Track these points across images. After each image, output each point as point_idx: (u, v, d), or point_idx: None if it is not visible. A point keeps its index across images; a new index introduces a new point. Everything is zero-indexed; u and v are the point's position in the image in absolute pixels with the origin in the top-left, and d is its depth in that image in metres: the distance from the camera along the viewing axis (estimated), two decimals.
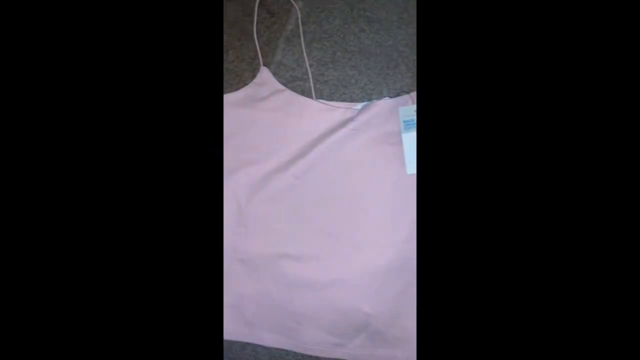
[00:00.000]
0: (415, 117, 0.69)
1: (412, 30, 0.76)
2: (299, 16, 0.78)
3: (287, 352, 0.74)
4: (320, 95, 0.76)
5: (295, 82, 0.77)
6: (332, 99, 0.76)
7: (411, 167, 0.68)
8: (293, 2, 0.79)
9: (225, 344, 0.73)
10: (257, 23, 0.78)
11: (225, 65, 0.78)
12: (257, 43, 0.77)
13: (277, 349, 0.73)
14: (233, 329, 0.70)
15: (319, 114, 0.73)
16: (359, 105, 0.73)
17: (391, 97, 0.72)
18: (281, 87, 0.74)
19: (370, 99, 0.74)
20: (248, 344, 0.72)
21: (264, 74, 0.75)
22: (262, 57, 0.76)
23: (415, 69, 0.75)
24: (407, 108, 0.70)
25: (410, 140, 0.69)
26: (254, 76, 0.75)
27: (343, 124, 0.72)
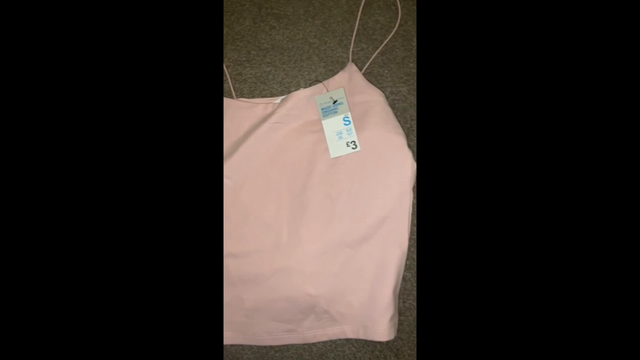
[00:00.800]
0: (331, 103, 0.72)
1: (319, 21, 0.79)
2: None
3: (242, 347, 0.75)
4: (240, 94, 0.78)
5: None
6: (252, 97, 0.78)
7: (333, 151, 0.71)
8: None
9: None
10: None
11: None
12: None
13: (231, 345, 0.75)
14: None
15: (240, 112, 0.75)
16: (279, 99, 0.76)
17: (304, 87, 0.75)
18: None
19: (289, 92, 0.76)
20: None
21: None
22: None
23: (327, 59, 0.78)
24: (323, 96, 0.73)
25: (329, 125, 0.72)
26: None
27: (265, 118, 0.74)
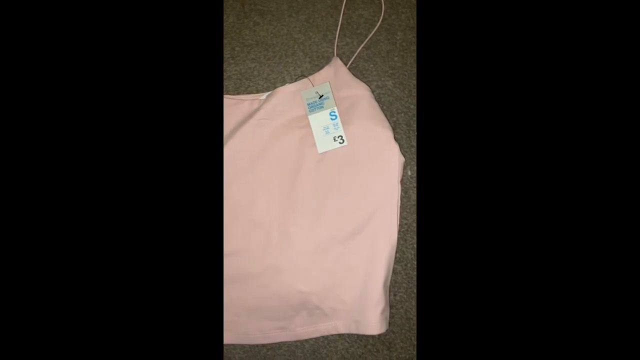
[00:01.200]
0: (317, 98, 0.72)
1: (303, 17, 0.79)
2: None
3: (233, 347, 0.75)
4: (225, 91, 0.77)
5: None
6: (238, 93, 0.77)
7: (321, 147, 0.71)
8: None
9: None
10: None
11: None
12: None
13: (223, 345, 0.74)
14: None
15: (226, 109, 0.75)
16: (264, 95, 0.75)
17: (290, 82, 0.75)
18: None
19: (275, 88, 0.76)
20: None
21: None
22: None
23: (312, 54, 0.78)
24: (309, 91, 0.72)
25: (316, 121, 0.71)
26: None
27: (251, 115, 0.73)
